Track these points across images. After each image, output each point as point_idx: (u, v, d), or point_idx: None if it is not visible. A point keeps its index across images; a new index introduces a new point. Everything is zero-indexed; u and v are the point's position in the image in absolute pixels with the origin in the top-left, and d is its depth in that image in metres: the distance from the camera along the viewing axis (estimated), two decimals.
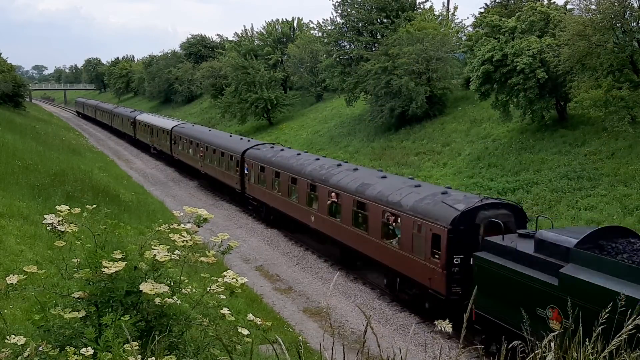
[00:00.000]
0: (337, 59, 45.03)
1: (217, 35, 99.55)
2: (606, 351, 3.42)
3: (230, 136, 37.14)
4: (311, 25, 61.39)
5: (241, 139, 34.88)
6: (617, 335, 3.49)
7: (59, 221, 3.90)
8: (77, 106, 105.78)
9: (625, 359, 3.53)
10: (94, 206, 4.23)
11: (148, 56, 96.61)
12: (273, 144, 31.98)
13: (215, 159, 34.13)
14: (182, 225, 4.19)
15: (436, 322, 3.41)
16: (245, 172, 29.35)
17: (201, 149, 36.63)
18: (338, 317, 17.60)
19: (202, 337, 3.86)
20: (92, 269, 3.73)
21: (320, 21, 51.08)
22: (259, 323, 3.88)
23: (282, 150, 28.01)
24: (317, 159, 24.66)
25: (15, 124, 47.26)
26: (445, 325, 3.33)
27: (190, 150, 39.42)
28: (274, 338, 3.50)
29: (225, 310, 3.85)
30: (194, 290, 4.03)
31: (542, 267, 11.95)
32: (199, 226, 4.28)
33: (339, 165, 22.51)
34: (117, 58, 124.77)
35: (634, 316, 3.56)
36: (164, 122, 49.60)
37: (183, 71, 78.97)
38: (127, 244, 3.98)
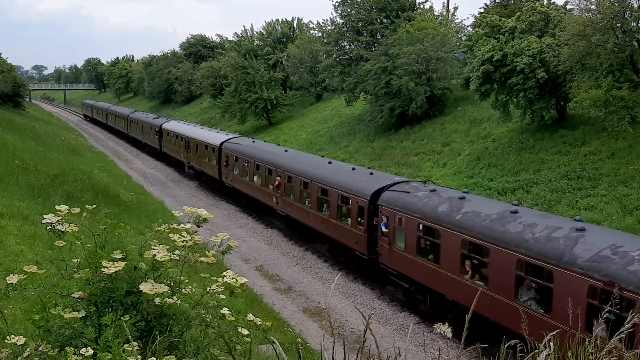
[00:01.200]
0: (337, 59, 45.04)
1: (217, 35, 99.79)
2: (605, 350, 3.42)
3: (330, 163, 24.46)
4: (311, 26, 61.51)
5: (353, 169, 22.46)
6: (616, 334, 3.49)
7: (58, 221, 3.90)
8: (84, 109, 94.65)
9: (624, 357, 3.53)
10: (94, 206, 4.23)
11: (148, 56, 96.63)
12: (425, 181, 19.60)
13: (309, 197, 23.03)
14: (182, 225, 4.19)
15: (435, 326, 3.40)
16: (383, 228, 17.98)
17: (278, 178, 25.81)
18: (338, 317, 17.61)
19: (202, 337, 3.87)
20: (92, 269, 3.73)
21: (320, 21, 51.15)
22: (258, 323, 3.88)
23: (462, 198, 16.00)
24: (579, 230, 12.53)
25: (15, 124, 47.26)
26: (445, 329, 3.31)
27: (255, 178, 28.78)
28: (272, 338, 3.50)
29: (225, 310, 3.85)
30: (194, 290, 4.03)
31: None
32: (198, 226, 4.28)
33: None
34: (117, 58, 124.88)
35: (632, 314, 3.56)
36: (206, 134, 38.42)
37: (183, 71, 78.99)
38: (127, 244, 3.98)
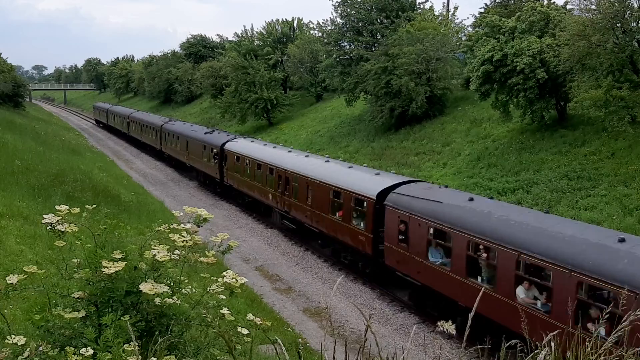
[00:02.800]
0: (337, 59, 45.02)
1: (217, 35, 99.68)
2: (604, 348, 3.41)
3: None
4: (311, 26, 61.48)
5: None
6: (614, 332, 3.48)
7: (58, 221, 3.90)
8: (97, 113, 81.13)
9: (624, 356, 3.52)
10: (94, 206, 4.23)
11: (148, 56, 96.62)
12: None
13: None
14: (182, 225, 4.19)
15: (439, 323, 3.37)
16: None
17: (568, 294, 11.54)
18: (338, 317, 17.60)
19: (202, 337, 3.86)
20: (92, 269, 3.73)
21: (320, 21, 51.14)
22: (258, 323, 3.88)
23: None
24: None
25: (15, 124, 47.27)
26: (448, 327, 3.27)
27: (521, 291, 13.34)
28: (274, 338, 3.50)
29: (225, 310, 3.84)
30: (194, 290, 4.03)
31: None
32: (198, 226, 4.28)
33: None
34: (117, 58, 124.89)
35: (631, 312, 3.55)
36: (336, 171, 22.82)
37: (183, 71, 78.96)
38: (127, 244, 3.97)
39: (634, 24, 24.39)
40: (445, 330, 3.24)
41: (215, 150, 33.93)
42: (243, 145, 31.89)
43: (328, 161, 25.05)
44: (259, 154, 29.28)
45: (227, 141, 33.40)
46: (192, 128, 42.44)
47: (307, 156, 26.59)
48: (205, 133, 37.82)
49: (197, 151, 37.57)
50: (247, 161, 29.74)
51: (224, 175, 32.94)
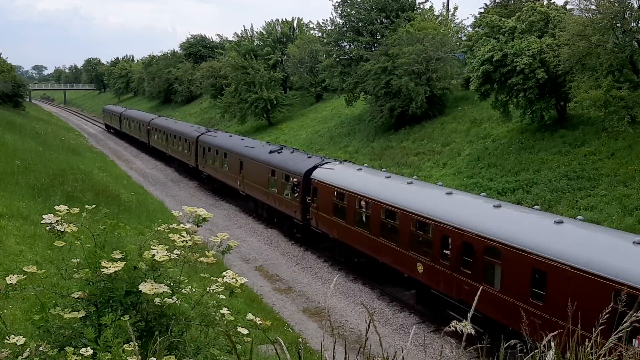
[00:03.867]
0: (337, 59, 44.99)
1: (217, 35, 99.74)
2: (605, 348, 3.41)
3: None
4: (311, 26, 61.49)
5: None
6: (615, 332, 3.48)
7: (58, 221, 3.89)
8: (107, 117, 72.13)
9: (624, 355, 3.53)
10: (94, 206, 4.23)
11: (148, 56, 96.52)
12: None
13: None
14: (182, 225, 4.19)
15: (454, 322, 3.15)
16: None
17: None
18: (338, 317, 17.61)
19: (202, 337, 3.86)
20: (92, 269, 3.73)
21: (320, 21, 51.11)
22: (258, 322, 3.88)
23: None
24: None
25: (15, 124, 47.26)
26: (464, 326, 3.04)
27: None
28: (274, 338, 3.50)
29: (224, 310, 3.84)
30: (194, 290, 4.02)
31: None
32: (198, 226, 4.28)
33: None
34: (117, 58, 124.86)
35: (632, 312, 3.55)
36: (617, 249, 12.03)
37: (183, 71, 78.93)
38: (127, 244, 3.97)
39: (634, 24, 24.39)
40: (460, 330, 3.08)
41: (295, 179, 24.56)
42: (347, 176, 21.79)
43: (562, 222, 13.73)
44: (388, 194, 18.86)
45: (315, 167, 23.73)
46: (246, 143, 32.26)
47: (498, 206, 15.62)
48: (271, 152, 28.16)
49: (258, 177, 28.08)
50: (363, 203, 19.95)
51: (311, 216, 23.58)
